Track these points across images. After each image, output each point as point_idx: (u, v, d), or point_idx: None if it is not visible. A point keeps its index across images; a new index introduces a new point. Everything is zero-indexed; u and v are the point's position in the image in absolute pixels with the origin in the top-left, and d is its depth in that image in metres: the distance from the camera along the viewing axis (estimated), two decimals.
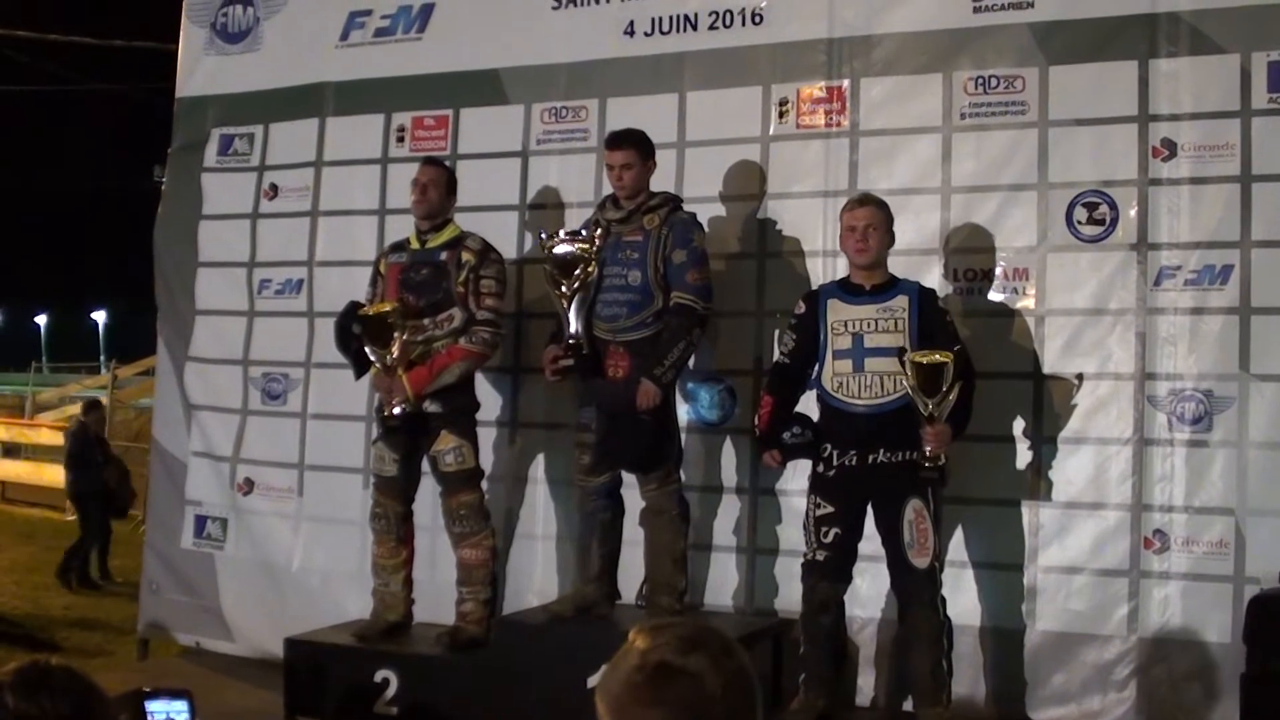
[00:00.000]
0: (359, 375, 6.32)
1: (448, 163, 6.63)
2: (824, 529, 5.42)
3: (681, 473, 5.99)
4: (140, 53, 18.62)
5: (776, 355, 5.84)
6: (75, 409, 21.81)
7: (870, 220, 5.46)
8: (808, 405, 5.62)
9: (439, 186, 6.25)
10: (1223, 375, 5.60)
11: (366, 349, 6.06)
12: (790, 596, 5.88)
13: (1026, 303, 5.92)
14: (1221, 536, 5.55)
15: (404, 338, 5.98)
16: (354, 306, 6.21)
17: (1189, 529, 5.60)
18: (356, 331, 6.10)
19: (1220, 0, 5.67)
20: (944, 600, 5.38)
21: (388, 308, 6.04)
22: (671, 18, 6.59)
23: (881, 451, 5.34)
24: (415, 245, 6.26)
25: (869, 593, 5.87)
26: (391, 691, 5.96)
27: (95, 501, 12.25)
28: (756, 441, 5.81)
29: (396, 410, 6.05)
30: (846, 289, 5.55)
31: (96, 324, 75.26)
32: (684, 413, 6.15)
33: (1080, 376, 5.79)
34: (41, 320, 77.10)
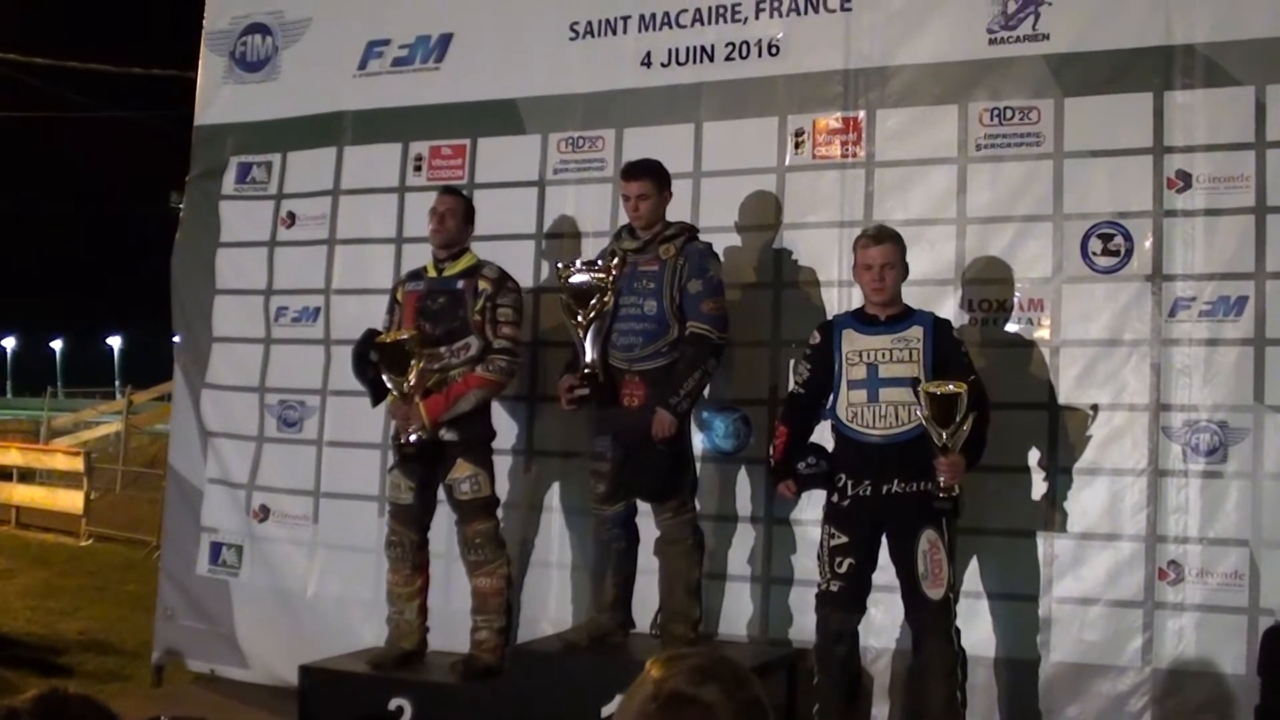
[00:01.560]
0: (375, 403, 6.36)
1: (465, 192, 6.66)
2: (838, 559, 5.42)
3: (696, 502, 6.00)
4: (158, 80, 18.75)
5: (791, 385, 5.83)
6: (90, 434, 21.95)
7: (886, 259, 5.46)
8: (822, 435, 5.63)
9: (456, 215, 6.28)
10: (1237, 406, 5.60)
11: (383, 377, 6.08)
12: (805, 626, 5.86)
13: (1041, 334, 5.92)
14: (1236, 568, 5.53)
15: (421, 365, 5.99)
16: (371, 334, 6.24)
17: (1203, 560, 5.58)
18: (373, 359, 6.12)
19: (1235, 33, 5.68)
20: (958, 631, 5.37)
21: (405, 335, 6.06)
22: (688, 49, 6.62)
23: (896, 482, 5.34)
24: (432, 273, 6.29)
25: (883, 623, 5.87)
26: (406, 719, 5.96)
27: None
28: (771, 471, 5.80)
29: (413, 438, 6.07)
30: (862, 319, 5.55)
31: (112, 349, 75.67)
32: (699, 442, 6.16)
33: (1095, 407, 5.78)
34: (57, 345, 77.50)
